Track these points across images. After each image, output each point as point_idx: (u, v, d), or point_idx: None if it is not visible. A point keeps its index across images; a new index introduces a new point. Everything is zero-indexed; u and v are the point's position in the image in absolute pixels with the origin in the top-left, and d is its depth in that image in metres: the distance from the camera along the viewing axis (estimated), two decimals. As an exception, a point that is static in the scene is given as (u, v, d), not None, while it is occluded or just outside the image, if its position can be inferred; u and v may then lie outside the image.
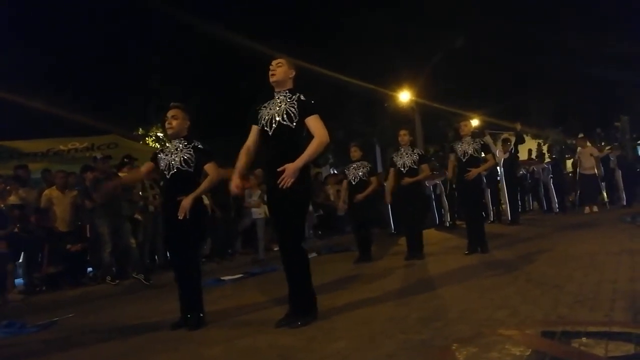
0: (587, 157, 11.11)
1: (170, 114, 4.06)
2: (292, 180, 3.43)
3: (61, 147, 11.18)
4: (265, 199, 9.18)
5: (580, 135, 12.02)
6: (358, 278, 5.65)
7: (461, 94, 15.41)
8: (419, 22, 14.66)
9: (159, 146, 14.85)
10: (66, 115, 13.16)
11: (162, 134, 16.24)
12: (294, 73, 3.72)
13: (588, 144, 11.45)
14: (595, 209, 10.69)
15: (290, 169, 3.43)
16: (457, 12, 14.71)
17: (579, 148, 11.58)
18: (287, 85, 3.69)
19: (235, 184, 3.78)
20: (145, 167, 4.35)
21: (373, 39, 15.12)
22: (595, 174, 11.04)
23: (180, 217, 3.85)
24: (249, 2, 15.53)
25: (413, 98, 16.10)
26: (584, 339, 2.48)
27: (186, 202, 3.88)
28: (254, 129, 3.74)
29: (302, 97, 3.60)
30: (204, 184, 4.06)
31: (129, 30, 16.00)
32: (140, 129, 17.12)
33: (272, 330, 3.49)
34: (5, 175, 8.05)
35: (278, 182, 3.44)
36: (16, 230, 6.81)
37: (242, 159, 3.79)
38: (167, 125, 4.08)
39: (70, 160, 10.37)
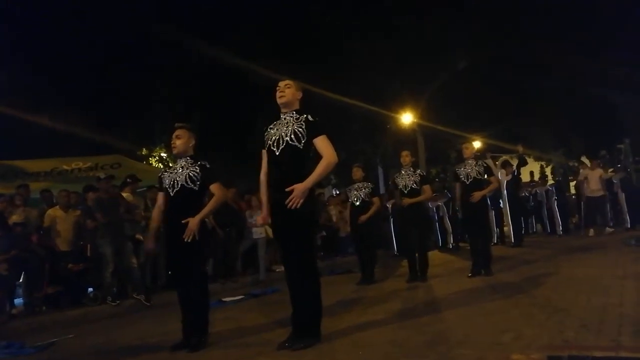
0: (595, 179, 10.91)
1: (174, 134, 4.08)
2: (301, 200, 3.43)
3: (65, 166, 11.22)
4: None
5: (583, 157, 11.99)
6: (360, 300, 5.60)
7: (463, 116, 15.50)
8: (421, 45, 14.84)
9: (162, 166, 14.93)
10: (70, 136, 13.27)
11: (165, 154, 16.33)
12: (301, 94, 3.75)
13: (598, 167, 11.26)
14: (606, 230, 10.50)
15: (299, 189, 3.43)
16: (459, 34, 14.90)
17: (585, 170, 11.40)
18: (295, 106, 3.71)
19: (263, 217, 3.81)
20: (160, 200, 4.22)
21: (375, 61, 15.28)
22: (604, 195, 10.88)
23: (187, 240, 3.82)
24: (251, 25, 15.77)
25: (415, 120, 16.19)
26: (590, 364, 2.44)
27: (193, 223, 3.85)
28: (265, 153, 3.75)
29: (309, 118, 3.61)
30: (210, 205, 4.05)
31: (133, 52, 16.24)
32: (144, 149, 17.22)
33: (274, 352, 3.44)
34: (8, 194, 8.06)
35: (286, 202, 3.43)
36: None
37: (264, 189, 3.79)
38: (172, 145, 4.10)
39: (73, 180, 10.39)
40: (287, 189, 3.44)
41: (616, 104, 16.88)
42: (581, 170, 11.53)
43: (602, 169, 11.74)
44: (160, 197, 4.21)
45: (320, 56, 15.14)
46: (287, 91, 3.68)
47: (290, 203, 3.42)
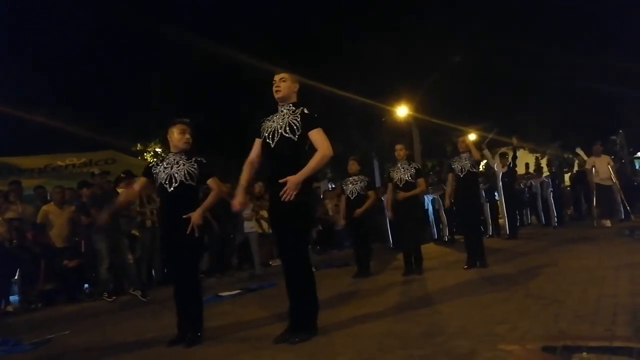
0: (604, 167, 10.41)
1: (188, 130, 4.05)
2: (295, 192, 3.41)
3: (59, 162, 11.17)
4: (259, 212, 9.17)
5: (578, 149, 11.87)
6: (357, 293, 5.61)
7: (459, 109, 15.50)
8: (417, 38, 14.81)
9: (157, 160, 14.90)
10: (64, 132, 13.21)
11: (160, 150, 16.28)
12: (297, 87, 3.74)
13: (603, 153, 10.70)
14: (608, 223, 9.97)
15: (292, 182, 3.41)
16: (455, 27, 14.88)
17: (590, 158, 10.87)
18: (291, 99, 3.70)
19: (238, 200, 3.80)
20: (139, 183, 4.28)
21: (371, 55, 15.25)
22: (613, 184, 10.44)
23: (195, 233, 3.86)
24: (249, 21, 15.71)
25: (411, 113, 16.18)
26: (585, 354, 2.46)
27: (196, 218, 3.88)
28: (257, 142, 3.74)
29: (305, 111, 3.60)
30: (210, 199, 4.08)
31: (129, 47, 16.16)
32: (139, 145, 17.15)
33: (271, 346, 3.45)
34: (3, 191, 8.01)
35: (280, 194, 3.42)
36: (14, 242, 6.75)
37: (245, 173, 3.80)
38: (185, 141, 4.04)
39: (67, 176, 10.34)
40: (280, 181, 3.43)
41: (611, 97, 16.92)
42: (590, 158, 10.82)
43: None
44: (141, 182, 4.22)
45: (317, 50, 15.10)
46: (282, 85, 3.66)
47: (284, 196, 3.41)
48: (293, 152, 3.54)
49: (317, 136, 3.55)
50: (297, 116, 3.58)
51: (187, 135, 4.04)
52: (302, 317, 3.54)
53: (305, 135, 3.54)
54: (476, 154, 6.65)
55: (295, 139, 3.53)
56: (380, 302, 4.72)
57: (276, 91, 3.67)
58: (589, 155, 11.22)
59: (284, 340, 3.46)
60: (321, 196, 12.38)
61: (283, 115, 3.62)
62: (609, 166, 10.48)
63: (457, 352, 2.76)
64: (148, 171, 4.13)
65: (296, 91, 3.73)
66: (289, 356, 3.17)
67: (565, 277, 4.77)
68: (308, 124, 3.56)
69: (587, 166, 10.93)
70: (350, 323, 3.88)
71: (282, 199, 3.42)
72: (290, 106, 3.66)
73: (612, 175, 10.46)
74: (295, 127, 3.54)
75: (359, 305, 4.76)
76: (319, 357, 3.08)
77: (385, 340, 3.27)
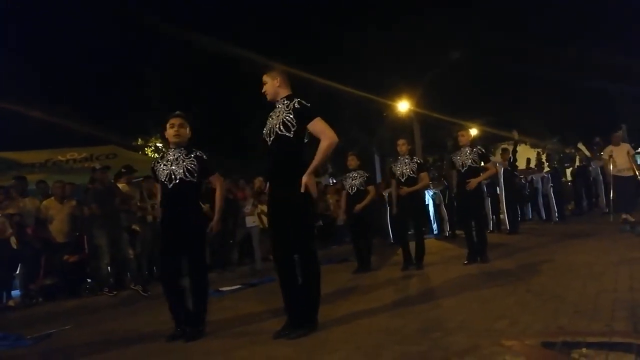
0: (622, 157, 9.47)
1: (177, 122, 4.01)
2: (312, 185, 3.43)
3: (60, 157, 11.17)
4: (259, 207, 9.17)
5: (580, 144, 11.76)
6: (357, 288, 5.62)
7: (459, 104, 15.47)
8: (417, 34, 14.78)
9: (158, 156, 14.96)
10: (65, 127, 13.23)
11: (161, 144, 16.29)
12: (279, 78, 3.66)
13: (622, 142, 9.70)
14: (630, 218, 8.96)
15: (305, 180, 3.40)
16: (455, 24, 14.86)
17: (609, 147, 9.90)
18: (281, 94, 3.66)
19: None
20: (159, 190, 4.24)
21: (372, 50, 15.22)
22: (635, 175, 9.45)
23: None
24: (249, 20, 15.68)
25: (412, 108, 16.16)
26: (584, 350, 2.45)
27: (217, 226, 4.11)
28: None
29: (296, 105, 3.54)
30: (219, 200, 4.14)
31: (129, 44, 16.16)
32: (140, 140, 17.16)
33: (270, 341, 3.46)
34: (6, 186, 8.02)
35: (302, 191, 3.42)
36: (14, 238, 6.78)
37: None
38: (174, 134, 3.99)
39: (68, 171, 10.35)
40: (301, 189, 3.43)
41: (611, 93, 16.88)
42: (608, 148, 9.91)
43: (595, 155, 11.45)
44: (157, 189, 4.25)
45: (318, 46, 15.07)
46: (265, 88, 3.68)
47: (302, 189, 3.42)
48: (290, 149, 3.52)
49: (318, 127, 3.49)
50: (291, 112, 3.52)
51: (176, 128, 3.99)
52: (305, 312, 3.53)
53: (301, 130, 3.50)
54: (492, 169, 6.80)
55: (291, 136, 3.50)
56: (380, 298, 4.73)
57: (266, 96, 3.70)
58: (592, 150, 11.03)
59: (283, 335, 3.47)
60: (323, 190, 12.38)
61: (279, 112, 3.59)
62: (629, 155, 9.63)
63: (455, 348, 2.77)
64: (154, 174, 4.10)
65: (280, 85, 3.65)
66: (288, 351, 3.18)
67: (565, 273, 4.76)
68: (303, 117, 3.50)
69: (605, 156, 10.07)
70: (349, 318, 3.88)
71: (282, 197, 3.41)
72: (284, 100, 3.62)
73: (633, 166, 9.57)
74: (290, 124, 3.50)
75: (358, 300, 4.77)
76: (317, 352, 3.08)
77: (383, 335, 3.27)
